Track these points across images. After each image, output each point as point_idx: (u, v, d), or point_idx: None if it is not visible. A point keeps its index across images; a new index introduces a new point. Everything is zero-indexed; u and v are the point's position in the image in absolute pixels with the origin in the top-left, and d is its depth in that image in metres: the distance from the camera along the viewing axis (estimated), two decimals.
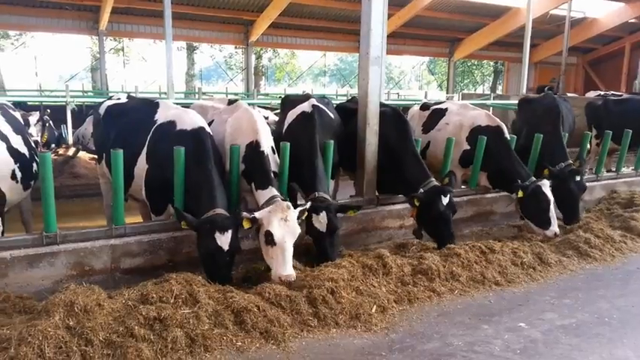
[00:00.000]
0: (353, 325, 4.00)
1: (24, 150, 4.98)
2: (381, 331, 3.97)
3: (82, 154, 11.82)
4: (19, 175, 4.79)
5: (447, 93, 27.60)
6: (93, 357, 3.28)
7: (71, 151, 11.96)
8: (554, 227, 5.88)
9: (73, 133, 12.69)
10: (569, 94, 17.05)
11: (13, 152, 4.77)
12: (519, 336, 4.02)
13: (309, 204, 4.79)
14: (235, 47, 28.30)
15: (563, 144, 7.03)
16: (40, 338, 3.25)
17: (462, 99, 20.24)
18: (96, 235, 4.64)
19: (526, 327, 4.17)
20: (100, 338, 3.39)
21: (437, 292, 4.60)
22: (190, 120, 5.04)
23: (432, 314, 4.30)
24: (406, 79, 44.59)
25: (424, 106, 7.75)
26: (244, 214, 4.39)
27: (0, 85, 21.97)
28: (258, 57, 29.12)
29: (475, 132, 6.58)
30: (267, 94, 20.10)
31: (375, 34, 5.86)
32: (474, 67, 39.57)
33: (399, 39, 25.12)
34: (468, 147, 6.65)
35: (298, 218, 4.53)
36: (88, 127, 12.10)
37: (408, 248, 5.46)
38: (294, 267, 4.78)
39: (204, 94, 15.93)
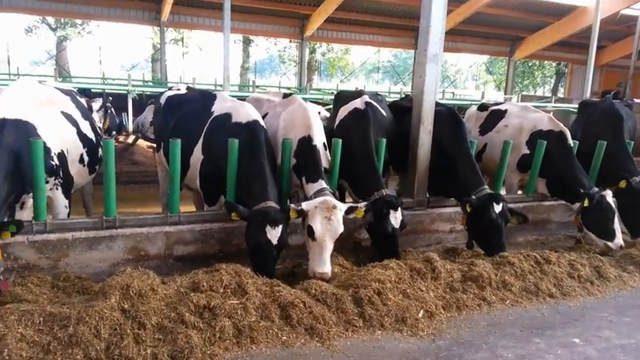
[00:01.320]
0: (399, 328, 3.95)
1: (91, 135, 5.20)
2: (428, 337, 3.89)
3: (141, 142, 12.26)
4: (86, 159, 5.01)
5: (505, 94, 26.73)
6: (145, 340, 3.39)
7: (131, 139, 12.42)
8: (619, 239, 5.58)
9: (133, 121, 13.20)
10: (636, 100, 16.11)
11: (82, 137, 4.98)
12: (573, 352, 3.84)
13: (363, 204, 4.77)
14: (290, 41, 28.54)
15: (628, 153, 6.63)
16: (97, 319, 3.39)
17: (521, 101, 19.53)
18: (152, 222, 4.80)
19: (581, 343, 3.98)
20: (153, 322, 3.50)
21: (487, 300, 4.47)
22: (245, 113, 5.11)
23: (481, 323, 4.18)
24: (462, 78, 43.52)
25: (482, 107, 7.53)
26: (292, 205, 4.43)
27: (66, 71, 23.15)
28: (312, 51, 29.24)
29: (536, 136, 6.32)
30: (319, 89, 20.12)
31: (435, 30, 5.72)
32: (535, 68, 38.10)
33: (457, 36, 24.54)
34: (528, 151, 6.40)
35: (348, 214, 4.51)
36: (147, 115, 12.54)
37: (458, 253, 5.34)
38: (341, 265, 4.79)
39: (257, 87, 16.16)
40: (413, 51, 26.51)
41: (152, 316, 3.53)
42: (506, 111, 7.05)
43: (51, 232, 4.36)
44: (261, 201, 4.44)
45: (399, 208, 4.89)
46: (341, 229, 4.46)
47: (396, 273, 4.39)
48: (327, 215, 4.39)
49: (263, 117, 5.35)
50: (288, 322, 3.81)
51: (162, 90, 13.05)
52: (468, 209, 5.22)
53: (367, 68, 40.53)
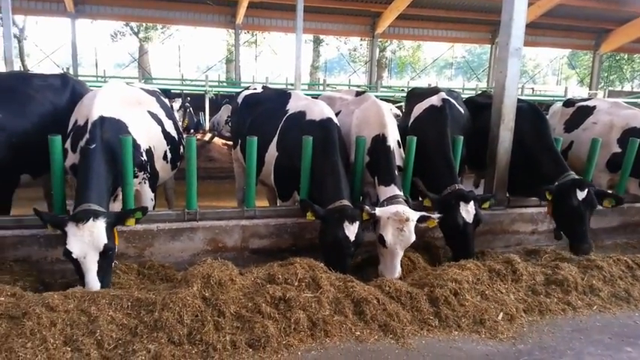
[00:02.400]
0: (477, 330, 3.83)
1: (174, 134, 5.47)
2: (508, 340, 3.74)
3: (217, 140, 12.74)
4: (169, 156, 5.28)
5: (590, 89, 25.08)
6: (224, 328, 3.52)
7: (207, 137, 12.93)
8: None
9: (210, 119, 13.75)
10: None
11: (166, 135, 5.26)
12: None
13: (437, 215, 4.65)
14: (361, 39, 28.46)
15: None
16: (180, 305, 3.55)
17: (609, 96, 18.25)
18: (229, 215, 4.97)
19: None
20: (231, 311, 3.62)
21: (572, 305, 4.22)
22: (319, 111, 5.16)
23: (565, 329, 3.95)
24: (542, 74, 41.38)
25: (568, 103, 7.12)
26: (366, 206, 4.41)
27: (148, 73, 24.51)
28: (383, 49, 29.00)
29: (628, 133, 5.90)
30: (389, 87, 19.95)
31: (517, 23, 5.48)
32: (624, 62, 35.46)
33: (538, 29, 23.29)
34: (619, 150, 5.98)
35: (421, 222, 4.46)
36: (222, 114, 13.04)
37: (540, 256, 5.07)
38: (415, 263, 4.71)
39: (327, 85, 16.26)
40: (489, 46, 25.55)
41: (231, 304, 3.65)
42: (594, 107, 6.62)
43: (138, 223, 4.61)
44: (335, 199, 4.46)
45: (472, 202, 4.72)
46: (412, 238, 4.39)
47: (473, 274, 4.26)
48: (400, 227, 4.33)
49: (336, 115, 5.37)
50: (361, 317, 3.81)
51: (236, 90, 13.54)
52: (548, 197, 4.98)
53: (439, 65, 39.59)
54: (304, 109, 5.24)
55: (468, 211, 4.68)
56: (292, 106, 5.42)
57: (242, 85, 17.72)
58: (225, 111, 12.75)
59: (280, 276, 3.98)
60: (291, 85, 16.61)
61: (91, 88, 6.34)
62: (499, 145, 5.59)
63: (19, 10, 18.80)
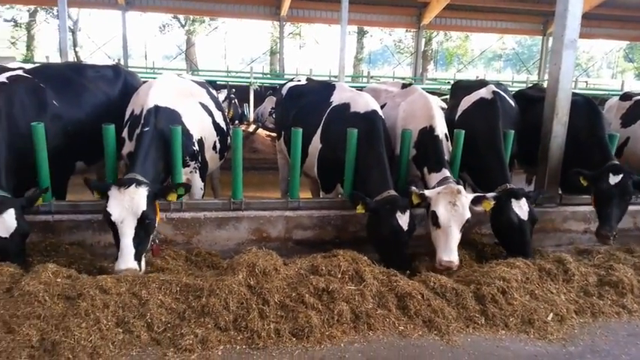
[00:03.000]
0: (525, 330, 3.72)
1: (223, 125, 5.57)
2: (558, 342, 3.62)
3: (260, 131, 12.88)
4: (218, 146, 5.38)
5: None
6: (268, 316, 3.57)
7: (251, 128, 13.10)
8: None
9: (254, 111, 13.91)
10: None
11: (216, 126, 5.35)
12: None
13: (491, 194, 4.53)
14: (406, 31, 28.04)
15: None
16: (226, 292, 3.63)
17: None
18: (274, 206, 5.02)
19: None
20: (276, 300, 3.66)
21: (628, 309, 4.04)
22: (364, 103, 5.12)
23: (620, 333, 3.79)
24: (595, 67, 39.58)
25: (625, 97, 6.77)
26: (413, 188, 4.34)
27: (195, 65, 25.01)
28: (428, 40, 28.46)
29: None
30: (435, 79, 19.58)
31: (572, 14, 5.24)
32: None
33: (592, 21, 22.28)
34: None
35: (475, 204, 4.34)
36: (266, 106, 13.16)
37: (592, 256, 4.87)
38: (461, 260, 4.61)
39: (372, 77, 16.13)
40: (540, 37, 24.65)
41: (275, 293, 3.70)
42: None
43: (186, 211, 4.76)
44: (382, 191, 4.42)
45: (524, 198, 4.57)
46: (467, 215, 4.27)
47: (522, 272, 4.13)
48: (452, 200, 4.24)
49: (381, 107, 5.31)
50: (405, 312, 3.78)
51: (280, 82, 13.63)
52: (584, 183, 4.83)
53: (487, 56, 38.51)
54: (349, 101, 5.21)
55: (521, 208, 4.53)
56: (336, 98, 5.41)
57: (285, 77, 17.83)
58: (269, 103, 12.85)
59: (324, 267, 3.99)
60: (334, 77, 16.57)
61: (142, 79, 6.54)
62: (552, 140, 5.39)
63: (74, 3, 19.53)
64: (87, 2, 20.30)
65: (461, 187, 4.38)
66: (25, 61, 17.50)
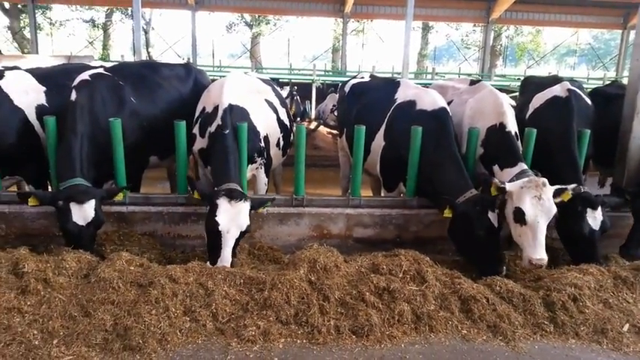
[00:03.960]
0: (597, 340, 3.54)
1: (286, 122, 5.66)
2: (634, 355, 3.41)
3: (322, 128, 12.96)
4: (281, 143, 5.47)
5: None
6: (329, 312, 3.60)
7: (313, 125, 13.20)
8: None
9: (315, 108, 14.02)
10: None
11: (280, 123, 5.46)
12: None
13: (571, 186, 4.32)
14: (474, 25, 27.20)
15: None
16: (288, 287, 3.69)
17: None
18: (335, 203, 5.05)
19: None
20: (336, 297, 3.69)
21: None
22: (431, 100, 5.02)
23: None
24: None
25: None
26: (496, 180, 4.19)
27: (259, 63, 25.53)
28: (497, 35, 27.44)
29: None
30: (504, 76, 18.85)
31: None
32: None
33: None
34: None
35: (554, 197, 4.14)
36: (328, 103, 13.23)
37: None
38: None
39: (437, 74, 15.78)
40: (619, 31, 23.12)
41: (335, 290, 3.72)
42: None
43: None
44: (464, 191, 4.35)
45: (599, 208, 4.33)
46: (554, 209, 4.07)
47: (596, 279, 3.93)
48: (537, 194, 4.04)
49: (447, 104, 5.19)
50: (469, 316, 3.69)
51: (342, 79, 13.62)
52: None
53: (560, 52, 36.55)
54: (414, 98, 5.13)
55: (595, 218, 4.31)
56: (401, 95, 5.34)
57: (347, 74, 17.82)
58: (331, 100, 12.91)
59: (384, 266, 3.97)
60: (397, 73, 16.37)
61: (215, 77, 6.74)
62: (631, 140, 5.06)
63: (147, 4, 20.49)
64: (159, 2, 21.24)
65: (545, 180, 4.15)
66: (101, 59, 18.58)
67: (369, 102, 5.73)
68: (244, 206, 4.04)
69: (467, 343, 3.47)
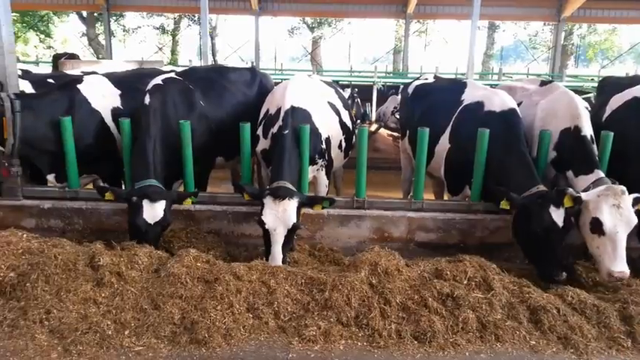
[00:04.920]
0: None
1: (349, 124, 5.68)
2: None
3: (382, 131, 12.86)
4: (343, 145, 5.48)
5: None
6: (390, 316, 3.56)
7: (373, 127, 13.12)
8: None
9: (376, 110, 13.93)
10: None
11: (342, 125, 5.48)
12: None
13: None
14: (544, 24, 26.06)
15: None
16: (349, 288, 3.69)
17: None
18: (396, 206, 4.99)
19: None
20: (397, 301, 3.65)
21: None
22: (500, 101, 4.86)
23: None
24: None
25: None
26: (569, 189, 3.99)
27: (319, 65, 25.72)
28: (569, 34, 26.13)
29: None
30: (576, 76, 17.89)
31: None
32: None
33: None
34: None
35: (634, 205, 3.90)
36: (389, 105, 13.10)
37: None
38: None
39: (504, 74, 15.24)
40: None
41: (397, 294, 3.68)
42: None
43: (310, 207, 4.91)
44: (530, 186, 4.19)
45: None
46: (634, 220, 3.83)
47: None
48: (616, 203, 3.83)
49: (517, 106, 4.99)
50: (537, 326, 3.54)
51: (403, 81, 13.44)
52: None
53: (638, 51, 34.25)
54: (482, 99, 4.98)
55: None
56: (468, 97, 5.20)
57: (409, 75, 17.56)
58: (392, 102, 12.78)
59: (448, 272, 3.88)
60: (461, 74, 15.97)
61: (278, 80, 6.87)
62: None
63: (214, 10, 21.15)
64: (225, 9, 21.85)
65: (624, 188, 3.92)
66: (170, 64, 19.43)
67: (433, 104, 5.62)
68: (289, 203, 4.09)
69: (535, 355, 3.33)
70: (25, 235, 4.22)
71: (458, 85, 5.64)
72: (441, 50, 32.82)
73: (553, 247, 3.99)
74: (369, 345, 3.41)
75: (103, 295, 3.66)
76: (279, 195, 4.09)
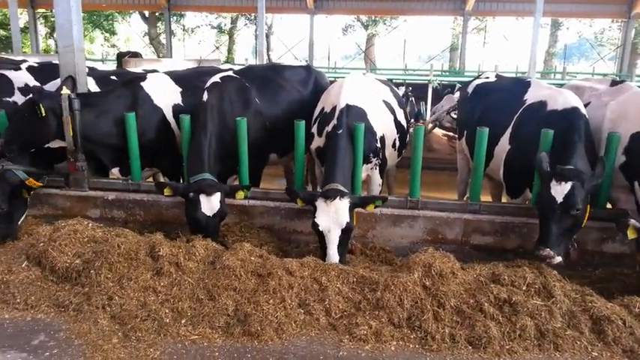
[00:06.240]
0: None
1: (403, 123, 5.60)
2: None
3: (437, 131, 12.61)
4: (397, 144, 5.42)
5: None
6: (443, 319, 3.49)
7: (428, 126, 12.89)
8: None
9: (431, 109, 13.69)
10: None
11: (397, 124, 5.40)
12: None
13: None
14: (612, 21, 24.71)
15: None
16: (401, 289, 3.65)
17: None
18: (451, 207, 4.88)
19: None
20: (451, 304, 3.57)
21: None
22: (564, 100, 4.63)
23: None
24: None
25: None
26: (633, 221, 3.78)
27: (373, 64, 25.55)
28: None
29: None
30: None
31: None
32: None
33: None
34: None
35: None
36: (444, 104, 12.83)
37: None
38: None
39: (568, 73, 14.58)
40: None
41: (451, 297, 3.60)
42: None
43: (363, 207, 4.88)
44: None
45: None
46: None
47: None
48: None
49: (584, 106, 4.74)
50: (600, 337, 3.37)
51: (460, 80, 13.12)
52: None
53: None
54: (546, 98, 4.76)
55: None
56: (531, 96, 4.99)
57: (466, 74, 17.13)
58: (447, 101, 12.50)
59: (506, 277, 3.75)
60: (522, 73, 15.43)
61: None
62: None
63: (270, 9, 21.45)
64: (281, 8, 22.12)
65: None
66: (226, 62, 19.88)
67: (494, 103, 5.44)
68: (341, 204, 4.10)
69: None
70: (90, 225, 4.44)
71: (521, 85, 5.42)
72: (500, 48, 31.81)
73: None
74: (422, 347, 3.35)
75: (161, 284, 3.80)
76: (330, 196, 4.11)
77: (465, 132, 5.94)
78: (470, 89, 6.18)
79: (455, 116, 11.65)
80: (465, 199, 5.13)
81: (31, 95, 4.84)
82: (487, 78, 6.47)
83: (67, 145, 4.93)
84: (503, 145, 4.93)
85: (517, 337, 3.35)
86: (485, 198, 6.08)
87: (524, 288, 3.65)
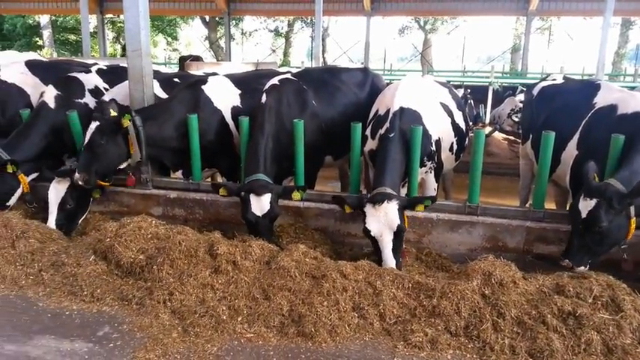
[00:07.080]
0: None
1: (462, 126, 5.47)
2: None
3: (497, 134, 12.23)
4: (455, 148, 5.31)
5: None
6: (503, 330, 3.37)
7: (487, 130, 12.52)
8: None
9: (490, 112, 13.30)
10: None
11: (455, 127, 5.30)
12: None
13: None
14: None
15: None
16: (459, 297, 3.56)
17: None
18: (513, 214, 4.70)
19: None
20: (512, 315, 3.43)
21: None
22: (636, 104, 4.37)
23: None
24: None
25: None
26: None
27: (430, 65, 25.13)
28: None
29: None
30: None
31: None
32: None
33: None
34: None
35: None
36: (505, 107, 12.43)
37: None
38: None
39: (639, 76, 13.75)
40: None
41: (512, 308, 3.47)
42: None
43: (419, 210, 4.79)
44: None
45: None
46: None
47: None
48: None
49: None
50: None
51: (522, 82, 12.65)
52: None
53: None
54: (617, 102, 4.50)
55: None
56: (601, 100, 4.73)
57: (529, 76, 16.49)
58: (509, 104, 12.13)
59: (571, 289, 3.57)
60: (588, 75, 14.69)
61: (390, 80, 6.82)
62: None
63: (327, 12, 21.54)
64: (338, 11, 22.17)
65: None
66: (282, 65, 20.17)
67: (561, 107, 5.20)
68: (390, 207, 4.05)
69: None
70: (153, 222, 4.61)
71: (590, 87, 5.14)
72: (565, 48, 30.43)
73: None
74: (479, 358, 3.25)
75: (219, 281, 3.89)
76: (378, 200, 4.07)
77: (530, 136, 5.71)
78: (535, 91, 5.93)
79: (516, 119, 11.27)
80: (527, 205, 4.92)
81: (96, 124, 4.81)
82: (554, 80, 6.19)
83: (130, 162, 5.15)
84: (571, 150, 4.70)
85: (582, 352, 3.17)
86: (549, 205, 5.86)
87: (590, 300, 3.46)
